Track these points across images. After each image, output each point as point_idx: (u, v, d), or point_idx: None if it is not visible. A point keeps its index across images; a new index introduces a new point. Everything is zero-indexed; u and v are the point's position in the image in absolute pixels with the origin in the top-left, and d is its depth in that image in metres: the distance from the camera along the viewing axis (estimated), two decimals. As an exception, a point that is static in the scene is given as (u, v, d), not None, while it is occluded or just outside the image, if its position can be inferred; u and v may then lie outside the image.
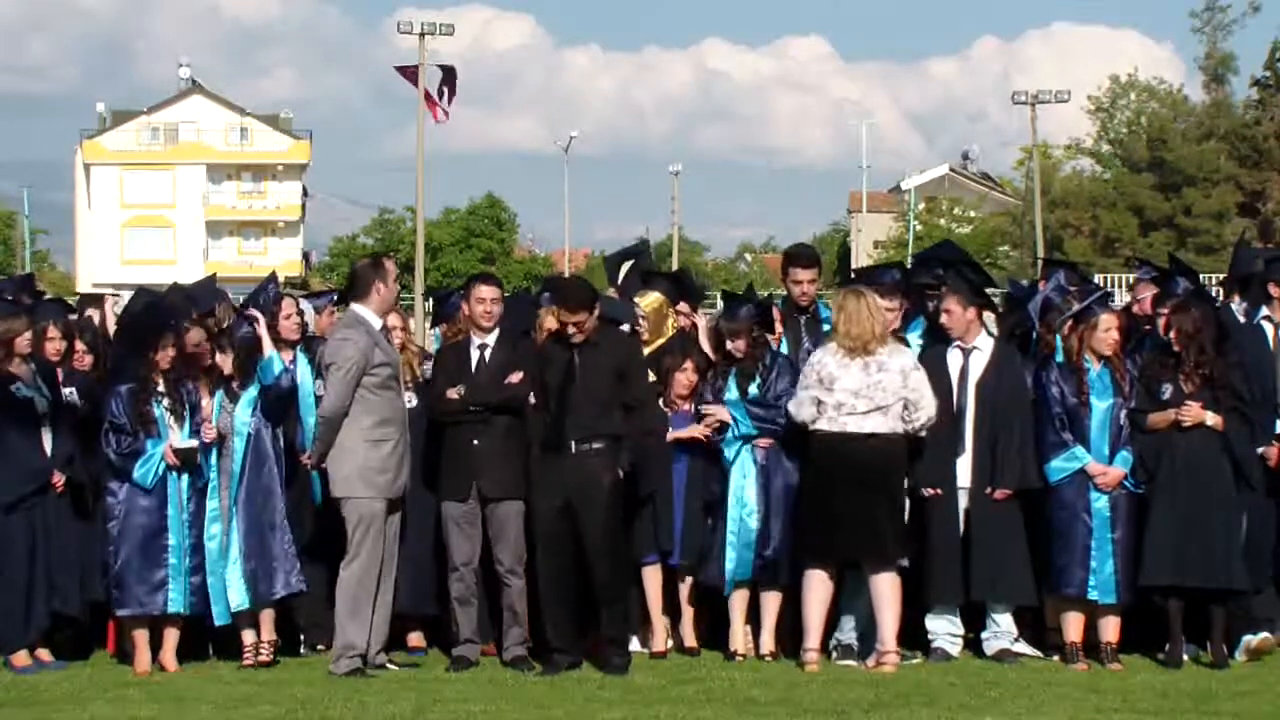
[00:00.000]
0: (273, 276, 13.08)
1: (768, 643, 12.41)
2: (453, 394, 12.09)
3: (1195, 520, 11.97)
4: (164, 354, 12.00)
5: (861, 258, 73.06)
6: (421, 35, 63.59)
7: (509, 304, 12.70)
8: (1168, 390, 12.14)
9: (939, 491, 12.27)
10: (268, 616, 12.14)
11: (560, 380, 11.88)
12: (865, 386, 11.98)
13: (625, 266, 13.74)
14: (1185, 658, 12.13)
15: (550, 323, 12.48)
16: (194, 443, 11.96)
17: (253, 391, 12.13)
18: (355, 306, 12.12)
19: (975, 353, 12.49)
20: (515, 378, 12.09)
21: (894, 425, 12.02)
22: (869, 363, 12.02)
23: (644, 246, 14.53)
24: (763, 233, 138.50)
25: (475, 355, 12.26)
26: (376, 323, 12.02)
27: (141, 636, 11.96)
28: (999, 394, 12.34)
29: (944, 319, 12.52)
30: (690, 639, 12.62)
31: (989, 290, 13.36)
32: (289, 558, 12.11)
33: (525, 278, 75.87)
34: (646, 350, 12.56)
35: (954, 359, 12.49)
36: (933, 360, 12.40)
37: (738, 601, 12.45)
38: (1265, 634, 12.23)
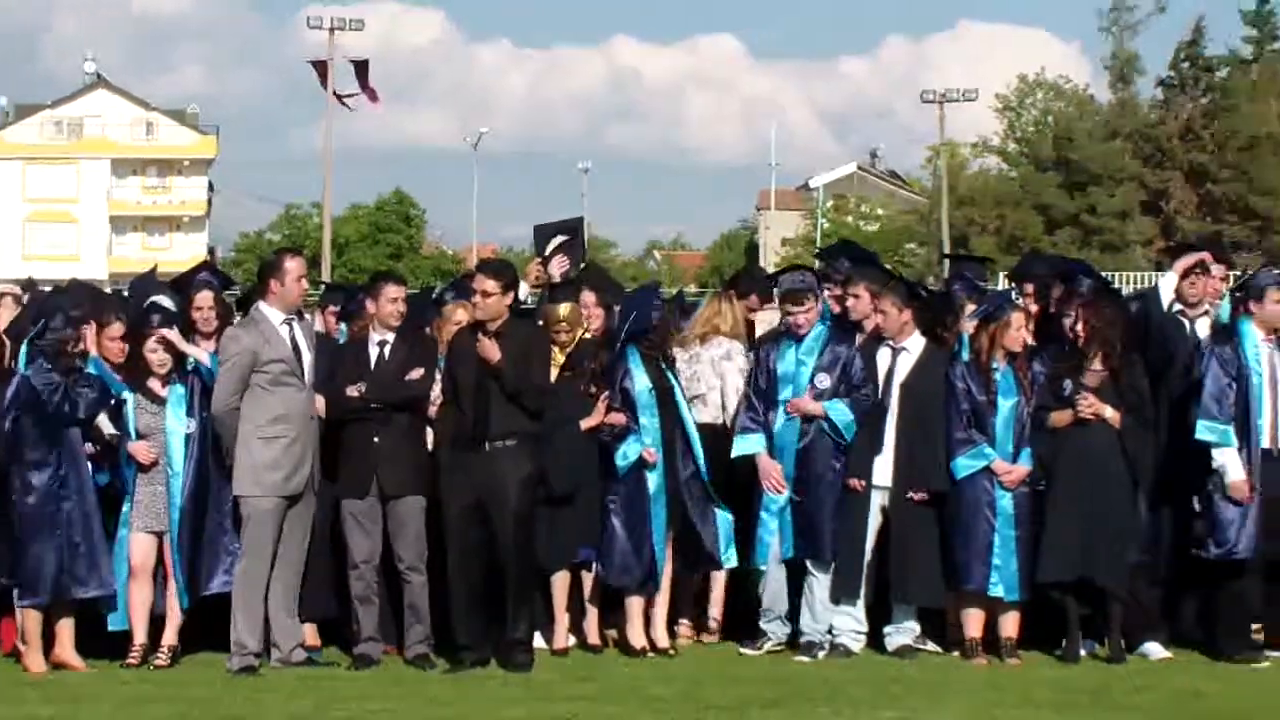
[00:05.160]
0: (203, 265, 13.01)
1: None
2: (352, 391, 12.04)
3: (1093, 518, 12.06)
4: (93, 341, 11.93)
5: (769, 255, 73.17)
6: (331, 30, 63.45)
7: (411, 301, 12.67)
8: (1069, 387, 12.23)
9: (862, 483, 12.35)
10: (174, 621, 12.05)
11: (475, 377, 11.85)
12: (686, 379, 12.71)
13: (556, 240, 13.76)
14: (1083, 653, 12.23)
15: (460, 316, 12.50)
16: (117, 432, 11.88)
17: (180, 390, 12.07)
18: (259, 303, 12.09)
19: (904, 353, 12.55)
20: (416, 374, 12.07)
21: (714, 415, 12.70)
22: (691, 355, 12.79)
23: (577, 223, 14.49)
24: (672, 230, 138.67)
25: (375, 352, 12.22)
26: (277, 319, 11.95)
27: (37, 631, 11.81)
28: (923, 396, 12.40)
29: (880, 320, 12.61)
30: (593, 636, 12.62)
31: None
32: (225, 558, 12.04)
33: (433, 274, 75.58)
34: (564, 353, 12.55)
35: (883, 357, 12.56)
36: (863, 353, 12.55)
37: (634, 600, 12.47)
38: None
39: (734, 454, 12.47)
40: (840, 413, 12.34)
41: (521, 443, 11.83)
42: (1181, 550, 12.43)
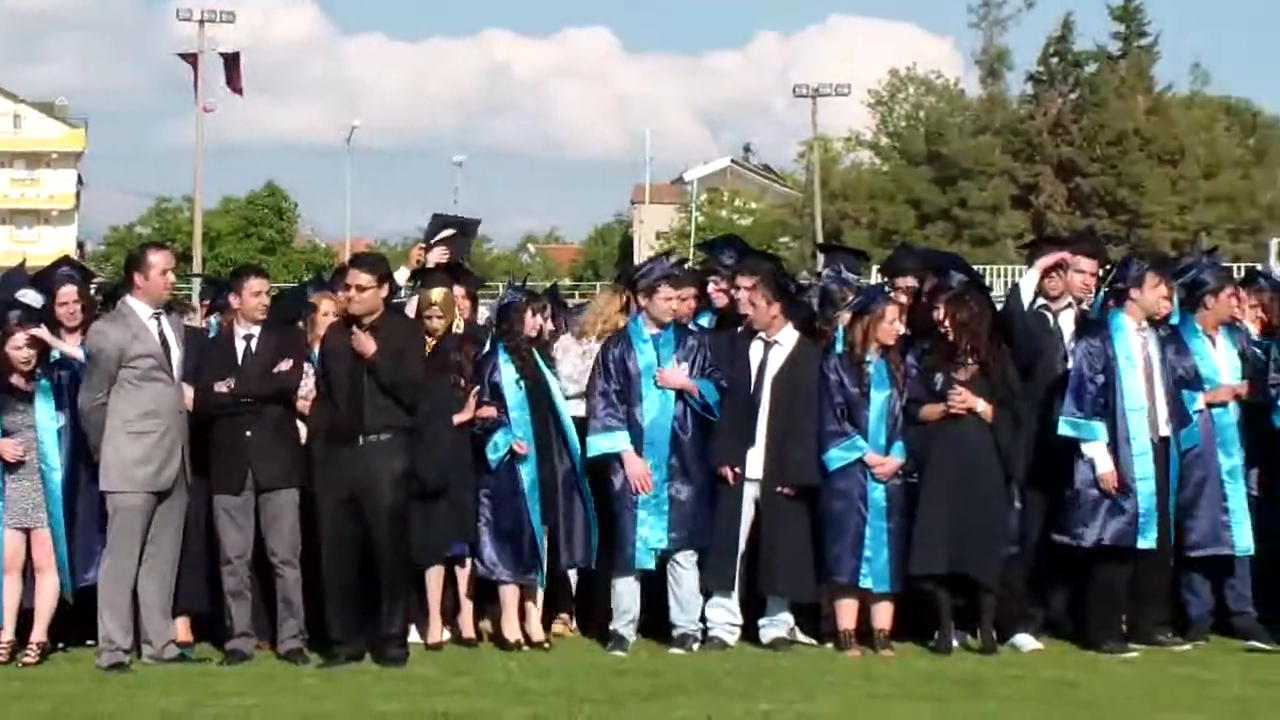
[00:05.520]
0: (63, 260, 12.86)
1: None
2: (221, 387, 11.94)
3: (963, 510, 12.15)
4: None
5: (644, 249, 73.27)
6: (201, 23, 62.88)
7: (284, 295, 12.60)
8: (940, 381, 12.31)
9: (735, 470, 12.38)
10: (43, 618, 11.90)
11: (349, 371, 11.78)
12: (581, 372, 12.67)
13: (447, 232, 13.71)
14: (955, 644, 12.32)
15: (326, 308, 12.45)
16: None
17: (47, 384, 11.94)
18: (126, 298, 11.97)
19: (776, 347, 12.57)
20: (284, 366, 12.01)
21: None
22: (585, 350, 12.79)
23: (473, 225, 14.42)
24: (546, 224, 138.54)
25: (241, 346, 12.14)
26: (145, 313, 11.83)
27: None
28: (794, 389, 12.43)
29: (750, 312, 12.64)
30: (468, 630, 12.59)
31: None
32: (99, 551, 11.89)
33: (306, 267, 75.10)
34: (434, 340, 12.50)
35: (755, 351, 12.58)
36: (736, 345, 12.61)
37: (509, 594, 12.47)
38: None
39: (595, 452, 12.42)
40: (710, 390, 12.38)
41: (396, 437, 11.76)
42: (1053, 541, 12.56)
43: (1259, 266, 25.13)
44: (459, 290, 13.03)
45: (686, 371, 12.37)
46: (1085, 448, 12.24)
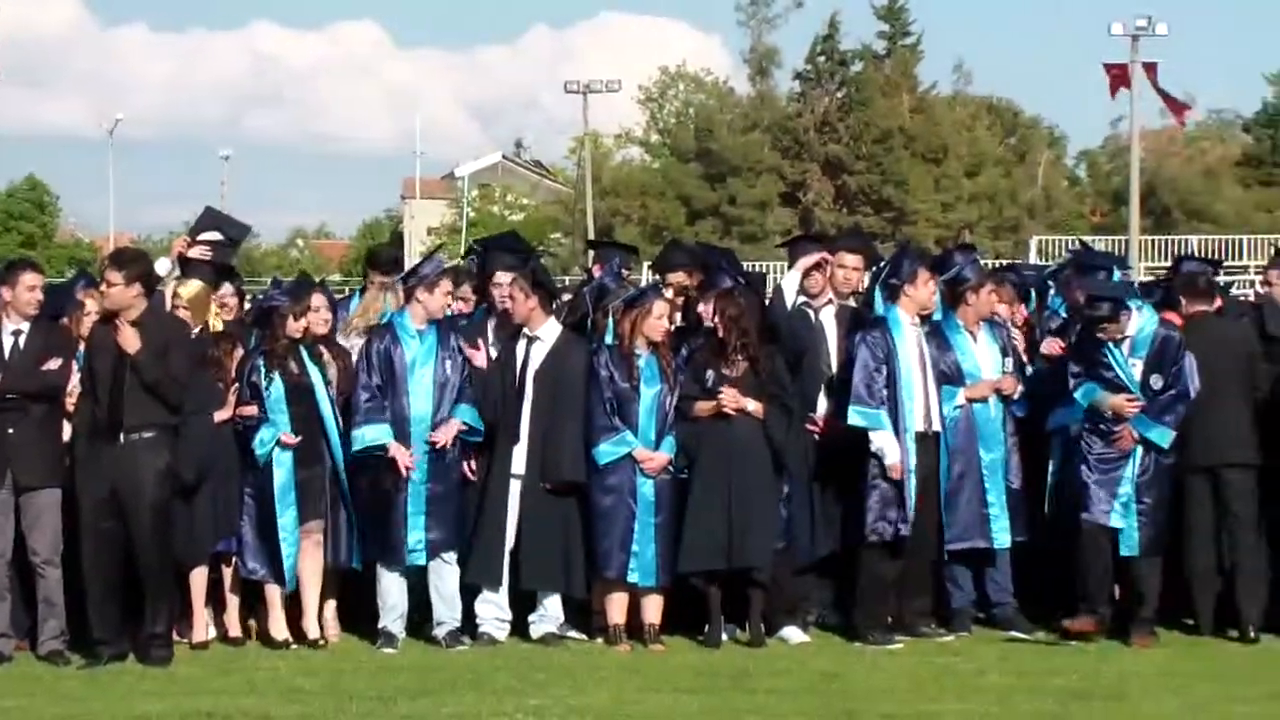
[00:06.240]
0: None
1: None
2: (-15, 382, 11.72)
3: (733, 506, 12.24)
4: None
5: (415, 244, 72.88)
6: (-42, 11, 61.51)
7: (49, 291, 12.36)
8: (711, 377, 12.39)
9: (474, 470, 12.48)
10: None
11: (112, 367, 11.58)
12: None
13: (214, 235, 13.52)
14: (724, 638, 12.42)
15: (91, 305, 12.25)
16: None
17: None
18: None
19: (538, 342, 12.57)
20: (53, 364, 11.78)
21: None
22: (353, 346, 12.87)
23: (240, 233, 14.20)
24: (316, 219, 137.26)
25: (9, 342, 11.89)
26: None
27: None
28: (557, 384, 12.44)
29: (510, 307, 12.67)
30: (234, 628, 12.45)
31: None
32: None
33: (69, 262, 73.73)
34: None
35: (520, 347, 12.58)
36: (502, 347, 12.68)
37: (274, 593, 12.35)
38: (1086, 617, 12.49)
39: (361, 445, 12.33)
40: (470, 414, 12.43)
41: (158, 434, 11.60)
42: (827, 535, 12.73)
43: (1016, 262, 25.58)
44: (228, 289, 12.88)
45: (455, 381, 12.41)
46: (873, 437, 12.42)
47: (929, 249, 29.45)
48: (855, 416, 12.43)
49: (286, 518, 12.24)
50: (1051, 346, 13.36)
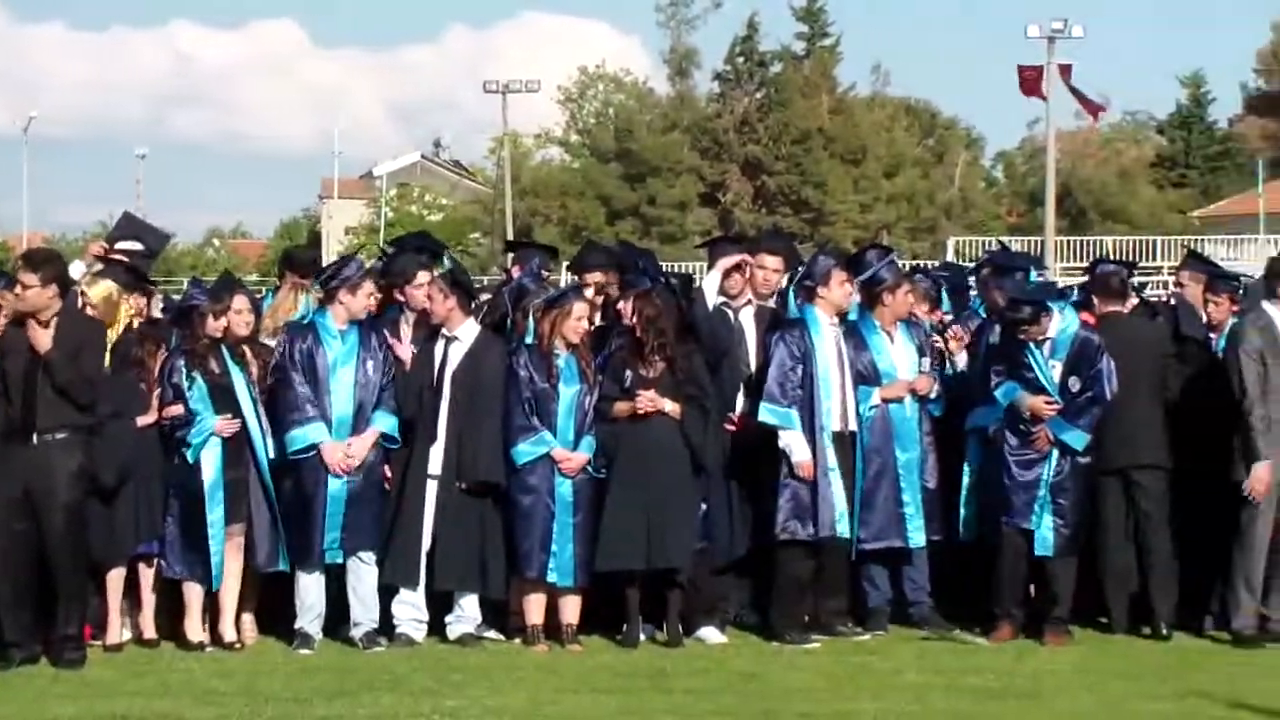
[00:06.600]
0: None
1: None
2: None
3: (652, 506, 12.25)
4: None
5: (333, 244, 72.61)
6: None
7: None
8: (629, 378, 12.40)
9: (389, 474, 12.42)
10: None
11: (24, 367, 11.47)
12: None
13: (133, 245, 13.45)
14: (642, 638, 12.43)
15: (8, 305, 12.15)
16: None
17: None
18: None
19: (455, 342, 12.54)
20: (-36, 364, 11.68)
21: None
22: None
23: (160, 243, 14.13)
24: (233, 218, 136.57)
25: (-84, 343, 11.79)
26: None
27: None
28: (475, 384, 12.42)
29: (429, 307, 12.64)
30: (149, 630, 12.37)
31: None
32: None
33: (-18, 261, 73.23)
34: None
35: (438, 347, 12.56)
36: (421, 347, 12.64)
37: (193, 593, 12.27)
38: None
39: (303, 445, 12.27)
40: (387, 419, 12.41)
41: (72, 435, 11.51)
42: (749, 537, 12.76)
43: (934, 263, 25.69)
44: (140, 297, 12.82)
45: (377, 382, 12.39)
46: (783, 435, 12.44)
47: (847, 250, 29.54)
48: (766, 414, 12.47)
49: (215, 515, 12.17)
50: (954, 333, 13.49)
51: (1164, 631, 12.69)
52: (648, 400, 12.29)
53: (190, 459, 12.18)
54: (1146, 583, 12.83)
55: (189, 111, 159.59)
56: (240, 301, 12.60)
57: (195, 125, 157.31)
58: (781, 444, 12.46)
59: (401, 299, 13.00)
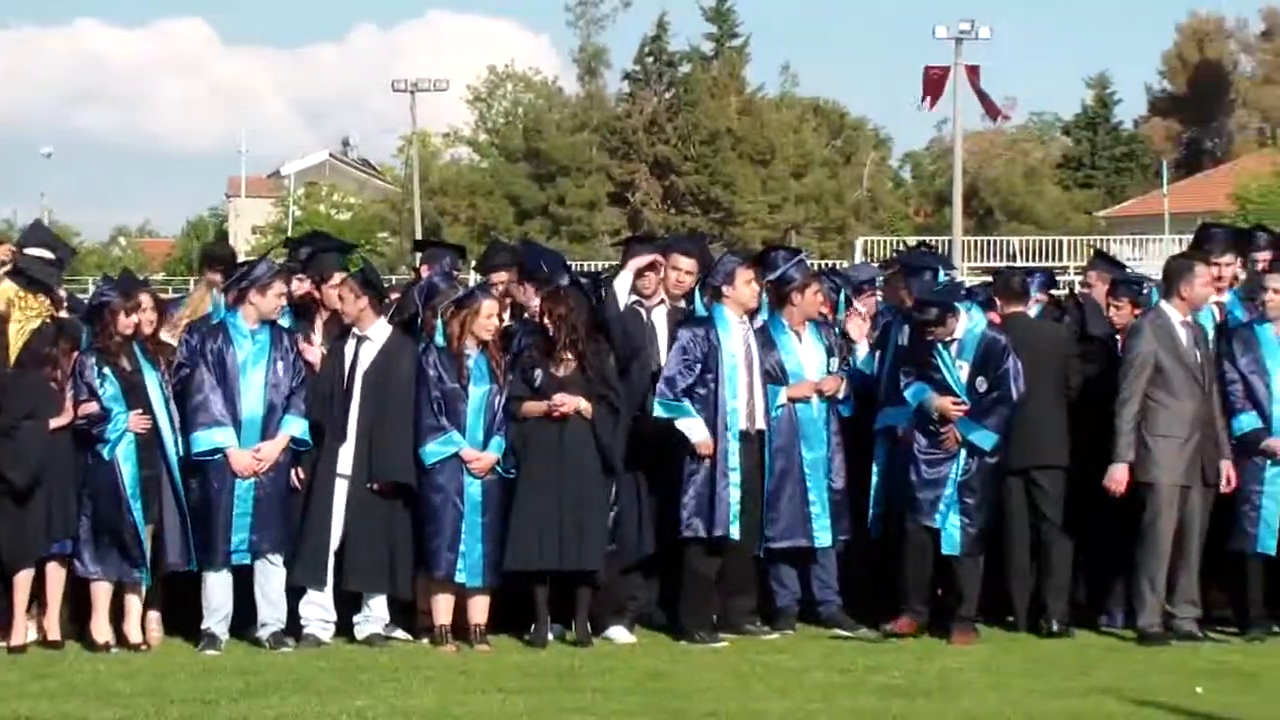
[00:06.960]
0: None
1: None
2: None
3: (565, 506, 12.26)
4: None
5: (240, 243, 72.22)
6: None
7: None
8: (539, 377, 12.39)
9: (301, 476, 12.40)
10: None
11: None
12: None
13: (43, 252, 13.34)
14: (550, 637, 12.42)
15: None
16: None
17: None
18: None
19: (367, 342, 12.50)
20: None
21: None
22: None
23: (66, 255, 14.02)
24: (139, 216, 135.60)
25: None
26: None
27: None
28: (386, 384, 12.39)
29: (339, 307, 12.62)
30: (54, 631, 12.26)
31: None
32: None
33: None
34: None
35: (349, 347, 12.53)
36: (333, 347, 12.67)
37: (101, 593, 12.17)
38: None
39: (209, 446, 12.21)
40: (299, 422, 12.38)
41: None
42: (649, 533, 12.78)
43: (843, 264, 25.83)
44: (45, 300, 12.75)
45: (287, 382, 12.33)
46: (680, 423, 12.48)
47: (755, 250, 29.63)
48: (658, 409, 12.51)
49: (138, 513, 12.09)
50: (852, 316, 13.63)
51: (1054, 629, 12.78)
52: (560, 404, 12.28)
53: (106, 456, 12.10)
54: (1041, 582, 12.93)
55: (95, 110, 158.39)
56: (144, 299, 12.52)
57: (101, 124, 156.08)
58: (679, 425, 12.49)
59: (318, 296, 13.00)
